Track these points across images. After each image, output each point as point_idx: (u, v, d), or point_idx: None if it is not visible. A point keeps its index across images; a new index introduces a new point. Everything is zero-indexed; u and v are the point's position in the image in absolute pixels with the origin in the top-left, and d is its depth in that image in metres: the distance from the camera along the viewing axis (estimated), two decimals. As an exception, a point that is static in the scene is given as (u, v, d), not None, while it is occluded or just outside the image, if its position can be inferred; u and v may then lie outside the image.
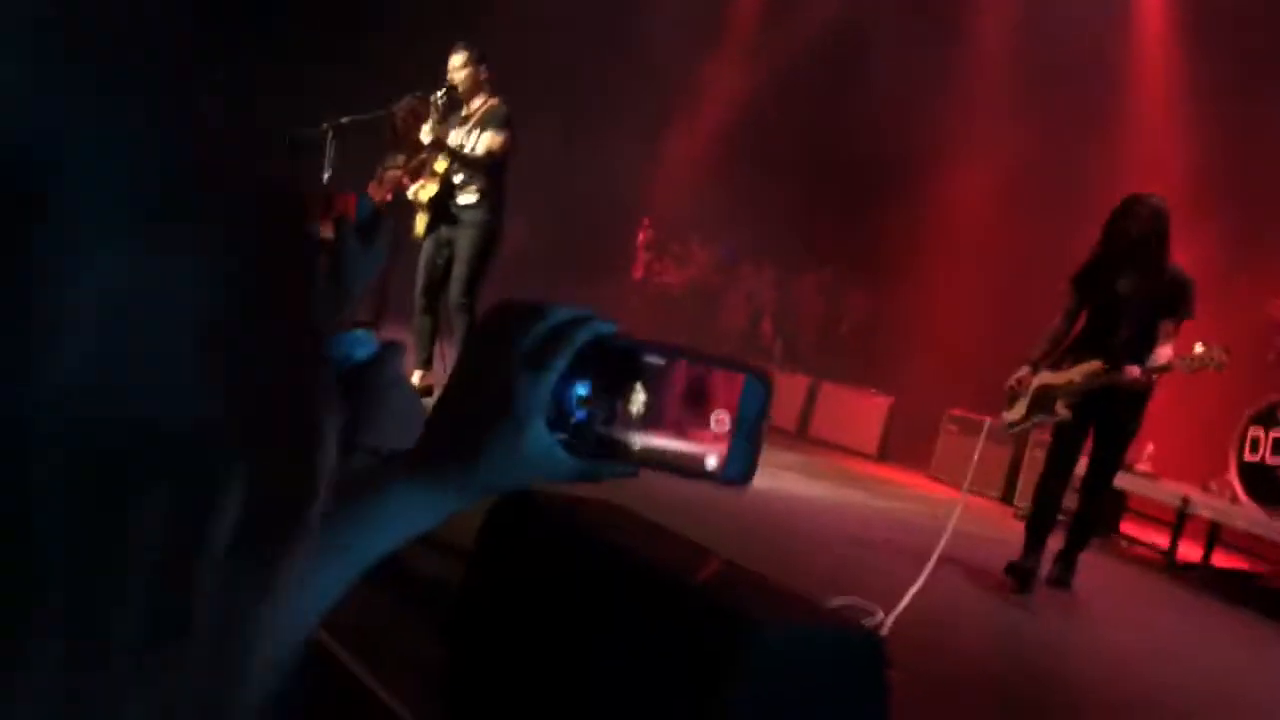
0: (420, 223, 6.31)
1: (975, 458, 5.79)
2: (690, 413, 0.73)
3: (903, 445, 10.03)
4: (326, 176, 6.31)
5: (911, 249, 12.45)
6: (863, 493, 7.70)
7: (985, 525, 7.64)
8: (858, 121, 11.83)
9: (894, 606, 4.00)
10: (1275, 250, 9.25)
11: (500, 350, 0.73)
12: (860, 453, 9.90)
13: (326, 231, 1.44)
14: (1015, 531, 7.58)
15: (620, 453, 0.74)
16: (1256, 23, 9.80)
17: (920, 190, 12.36)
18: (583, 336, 0.73)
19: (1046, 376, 5.50)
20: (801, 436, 10.32)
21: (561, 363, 0.72)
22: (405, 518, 0.74)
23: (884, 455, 9.96)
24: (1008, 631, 4.81)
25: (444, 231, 6.26)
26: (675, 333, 13.65)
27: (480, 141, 6.15)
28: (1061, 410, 5.38)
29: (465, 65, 6.27)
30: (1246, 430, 7.01)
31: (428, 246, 6.34)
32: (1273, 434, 6.92)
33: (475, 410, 0.73)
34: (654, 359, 0.74)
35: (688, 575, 2.09)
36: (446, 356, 6.47)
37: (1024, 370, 5.63)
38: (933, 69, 12.26)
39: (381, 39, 10.80)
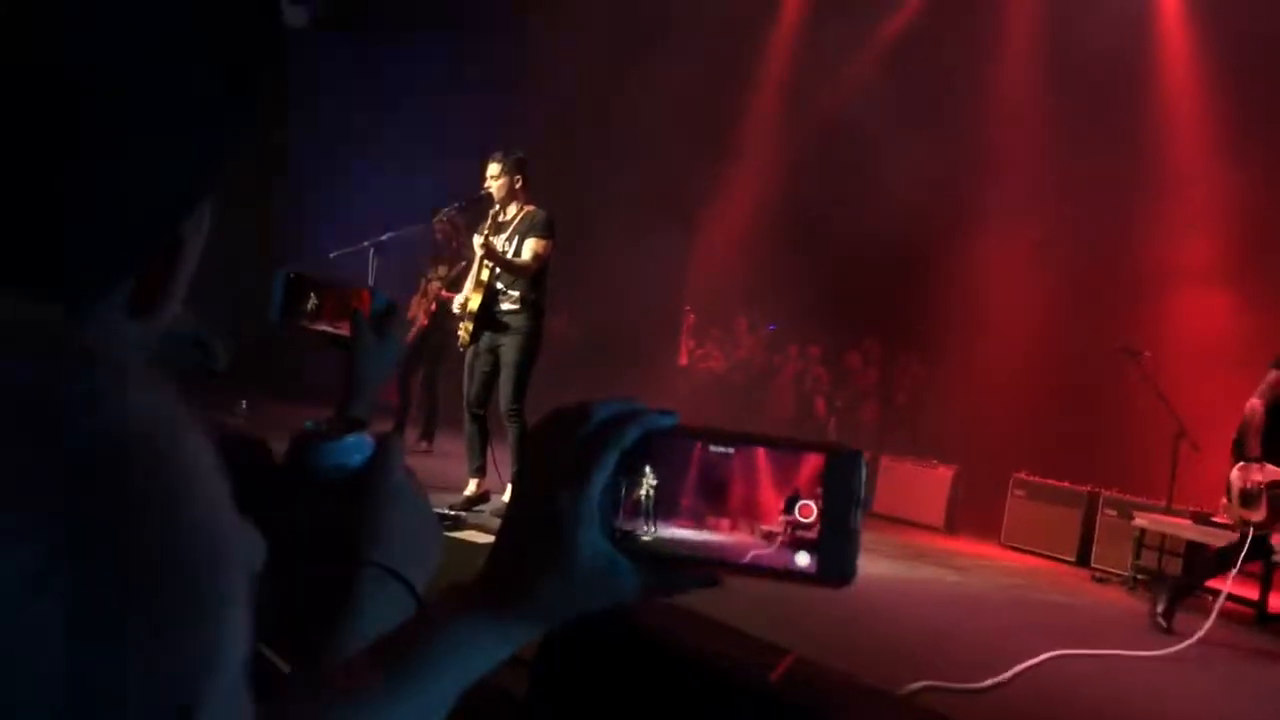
0: (465, 331, 6.34)
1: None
2: (770, 506, 0.65)
3: (970, 514, 9.82)
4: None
5: (962, 312, 12.35)
6: (933, 567, 7.50)
7: (1064, 590, 7.42)
8: (894, 189, 11.83)
9: (968, 684, 3.86)
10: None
11: (547, 463, 0.67)
12: (927, 525, 9.69)
13: (342, 329, 1.42)
14: (1094, 595, 7.39)
15: (695, 560, 0.66)
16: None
17: (965, 253, 12.31)
18: (633, 434, 0.66)
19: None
20: (866, 513, 10.12)
21: (606, 468, 0.66)
22: (473, 654, 0.68)
23: (951, 526, 9.74)
24: (1122, 693, 4.61)
25: (487, 339, 6.29)
26: (725, 418, 13.59)
27: (525, 248, 6.21)
28: None
29: (501, 175, 6.35)
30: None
31: (472, 355, 6.37)
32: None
33: (529, 533, 0.67)
34: (721, 449, 0.66)
35: (759, 675, 2.01)
36: (499, 464, 6.45)
37: (1255, 469, 5.86)
38: (970, 131, 12.30)
39: (412, 149, 11.02)
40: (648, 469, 0.67)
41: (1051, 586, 7.56)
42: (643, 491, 0.67)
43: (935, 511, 9.82)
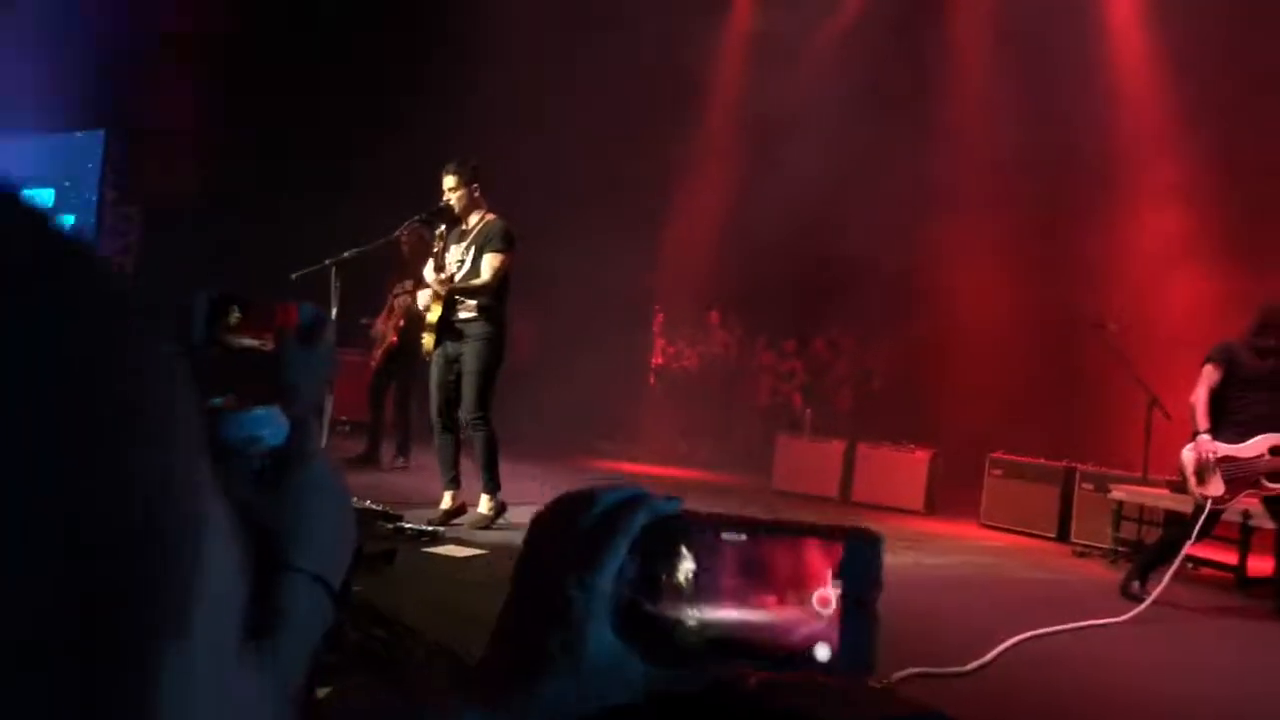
0: (428, 340, 6.34)
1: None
2: (786, 596, 0.62)
3: (949, 496, 9.86)
4: (334, 312, 6.35)
5: (932, 296, 12.42)
6: (915, 551, 7.53)
7: (1045, 567, 7.48)
8: (857, 178, 11.88)
9: (954, 667, 3.88)
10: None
11: (552, 550, 0.65)
12: (907, 510, 9.73)
13: (267, 341, 1.41)
14: (1075, 570, 7.44)
15: (710, 653, 0.63)
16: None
17: (931, 238, 12.35)
18: (639, 521, 0.64)
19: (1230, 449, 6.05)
20: (845, 502, 10.15)
21: (616, 556, 0.63)
22: None
23: (931, 509, 9.78)
24: (1103, 662, 4.64)
25: (449, 348, 6.29)
26: (703, 415, 13.60)
27: (484, 263, 6.21)
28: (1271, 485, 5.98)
29: (458, 185, 6.34)
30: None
31: (435, 366, 6.36)
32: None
33: (533, 623, 0.64)
34: (733, 536, 0.63)
35: (737, 684, 2.00)
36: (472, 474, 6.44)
37: (1204, 443, 6.11)
38: (931, 115, 12.37)
39: (379, 163, 10.97)
40: (684, 553, 0.64)
41: (1033, 564, 7.61)
42: (682, 578, 0.64)
43: (914, 495, 9.85)
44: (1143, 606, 5.65)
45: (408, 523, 5.84)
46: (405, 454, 9.17)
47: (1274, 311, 6.23)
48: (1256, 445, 6.02)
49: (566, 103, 12.06)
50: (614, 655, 0.63)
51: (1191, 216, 10.54)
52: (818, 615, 0.61)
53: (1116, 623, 5.39)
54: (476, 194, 6.39)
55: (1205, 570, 7.38)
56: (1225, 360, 6.19)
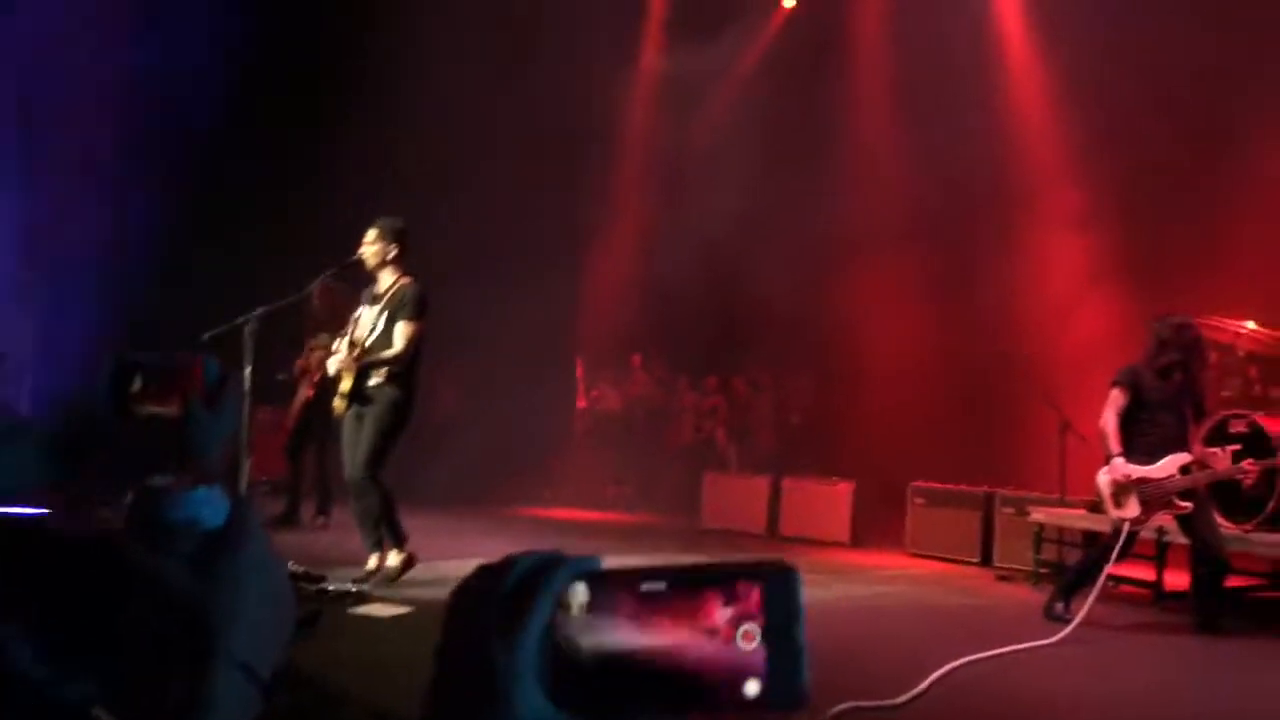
0: (340, 405, 6.28)
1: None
2: (711, 638, 0.62)
3: (874, 527, 9.95)
4: (249, 370, 6.24)
5: (847, 331, 12.59)
6: (844, 583, 7.59)
7: (971, 592, 7.57)
8: (768, 218, 12.06)
9: (886, 700, 3.90)
10: (1186, 268, 9.45)
11: (475, 618, 0.64)
12: (834, 542, 9.79)
13: (171, 407, 1.39)
14: (999, 594, 7.55)
15: (642, 704, 0.62)
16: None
17: (842, 274, 12.55)
18: (560, 581, 0.64)
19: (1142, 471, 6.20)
20: (773, 536, 10.19)
21: (541, 617, 0.63)
22: None
23: (857, 540, 9.85)
24: (1033, 686, 4.70)
25: (358, 410, 6.25)
26: (628, 455, 13.58)
27: (396, 332, 6.18)
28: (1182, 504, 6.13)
29: (376, 241, 6.31)
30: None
31: (347, 427, 6.31)
32: (1229, 448, 6.96)
33: (461, 693, 0.64)
34: (652, 586, 0.64)
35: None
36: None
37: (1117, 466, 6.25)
38: (838, 155, 12.61)
39: (297, 216, 10.86)
40: (584, 603, 0.65)
41: (959, 590, 7.70)
42: (574, 601, 0.64)
43: (840, 527, 9.93)
44: (1069, 629, 5.73)
45: (331, 584, 5.73)
46: (326, 512, 9.01)
47: (1165, 328, 6.39)
48: (1167, 465, 6.18)
49: (480, 155, 12.07)
50: (546, 714, 0.62)
51: (1095, 243, 10.85)
52: (744, 653, 0.61)
53: (1044, 645, 5.47)
54: (393, 256, 6.34)
55: (1124, 588, 7.53)
56: (1131, 383, 6.35)
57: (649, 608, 0.63)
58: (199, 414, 1.36)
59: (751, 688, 0.61)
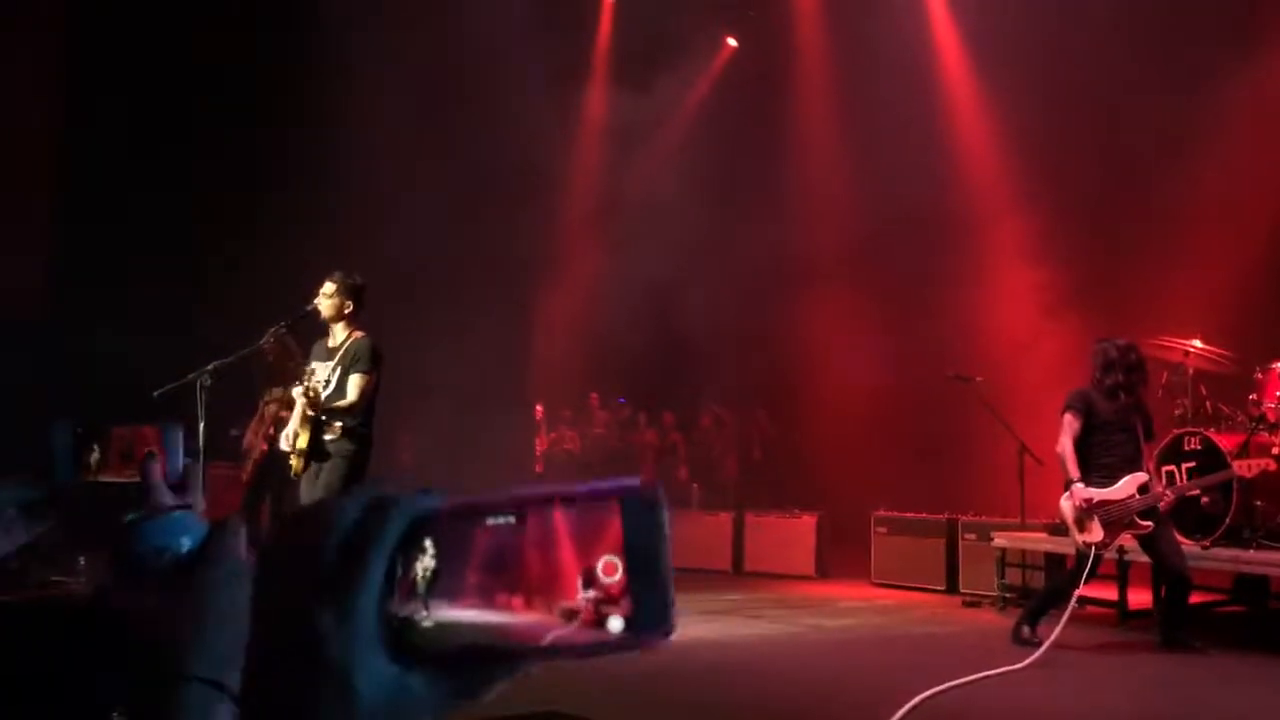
0: (296, 464, 6.19)
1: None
2: (570, 570, 0.55)
3: (839, 558, 9.95)
4: (201, 426, 6.15)
5: (804, 364, 12.67)
6: (811, 616, 7.56)
7: (937, 620, 7.57)
8: (720, 256, 12.12)
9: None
10: (1143, 291, 9.60)
11: (294, 583, 0.55)
12: (800, 575, 9.77)
13: (131, 476, 1.35)
14: (966, 620, 7.56)
15: (500, 652, 0.56)
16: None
17: (797, 308, 12.64)
18: (396, 527, 0.56)
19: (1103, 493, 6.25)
20: (739, 573, 10.16)
21: (375, 573, 0.55)
22: None
23: (823, 572, 9.84)
24: (1004, 712, 4.69)
25: (315, 467, 6.17)
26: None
27: (350, 384, 6.12)
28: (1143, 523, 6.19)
29: (334, 295, 6.24)
30: (1160, 469, 7.12)
31: (305, 485, 6.21)
32: (1185, 465, 7.04)
33: (287, 668, 0.55)
34: (500, 520, 0.57)
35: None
36: None
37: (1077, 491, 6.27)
38: (793, 195, 12.73)
39: (238, 274, 10.75)
40: (428, 548, 0.57)
41: (926, 618, 7.70)
42: (419, 573, 0.57)
43: (805, 560, 9.92)
44: (1039, 653, 5.72)
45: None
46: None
47: (1110, 348, 6.47)
48: (1125, 486, 6.23)
49: (429, 203, 12.03)
50: (391, 686, 0.55)
51: (1045, 270, 10.99)
52: (608, 585, 0.55)
53: (1013, 670, 5.46)
54: (349, 311, 6.29)
55: (1090, 609, 7.56)
56: (1083, 407, 6.40)
57: (499, 542, 0.57)
58: (157, 485, 1.32)
59: (615, 624, 0.55)
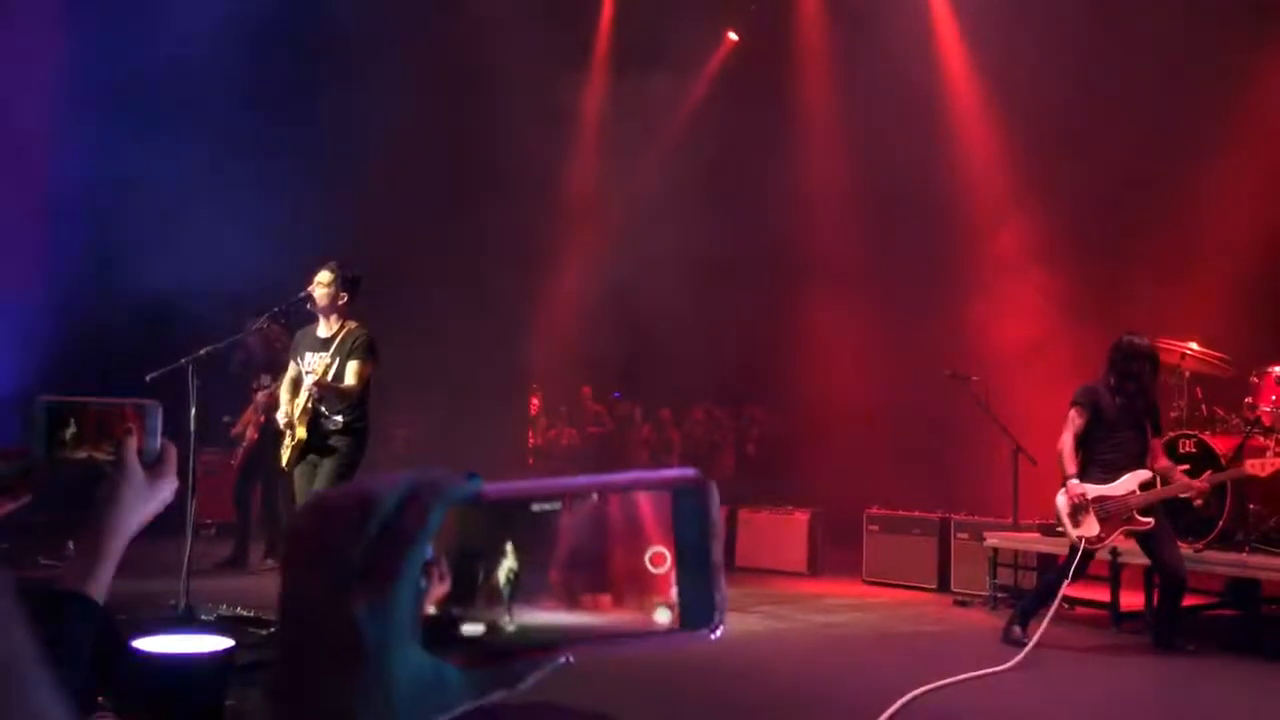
0: (286, 454, 6.13)
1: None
2: (616, 560, 0.55)
3: (831, 555, 9.93)
4: (193, 411, 6.11)
5: (799, 359, 12.63)
6: (802, 613, 7.54)
7: (928, 619, 7.55)
8: (716, 250, 12.08)
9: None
10: (1141, 293, 9.59)
11: (328, 575, 0.53)
12: (792, 572, 9.75)
13: (107, 453, 1.33)
14: (957, 620, 7.54)
15: (539, 641, 0.55)
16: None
17: (793, 303, 12.62)
18: (438, 516, 0.54)
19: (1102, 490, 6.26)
20: (730, 569, 10.13)
21: (415, 564, 0.53)
22: None
23: (815, 569, 9.82)
24: (995, 711, 4.67)
25: (311, 459, 6.12)
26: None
27: (348, 370, 6.08)
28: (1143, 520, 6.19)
29: (330, 285, 6.19)
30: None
31: (299, 476, 6.16)
32: (1179, 468, 7.02)
33: (322, 659, 0.53)
34: (545, 506, 0.56)
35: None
36: None
37: (1073, 487, 6.28)
38: (787, 187, 12.69)
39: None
40: (508, 550, 0.56)
41: (917, 616, 7.68)
42: (502, 576, 0.55)
43: (797, 557, 9.90)
44: (1024, 653, 5.72)
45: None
46: (275, 554, 8.83)
47: (1125, 347, 6.45)
48: (1127, 483, 6.22)
49: (422, 195, 11.98)
50: (426, 675, 0.54)
51: (1044, 272, 10.98)
52: (656, 577, 0.55)
53: (1003, 670, 5.45)
54: (343, 303, 6.24)
55: (1081, 610, 7.55)
56: (1089, 404, 6.38)
57: (542, 531, 0.55)
58: (130, 462, 1.30)
59: (663, 616, 0.55)
